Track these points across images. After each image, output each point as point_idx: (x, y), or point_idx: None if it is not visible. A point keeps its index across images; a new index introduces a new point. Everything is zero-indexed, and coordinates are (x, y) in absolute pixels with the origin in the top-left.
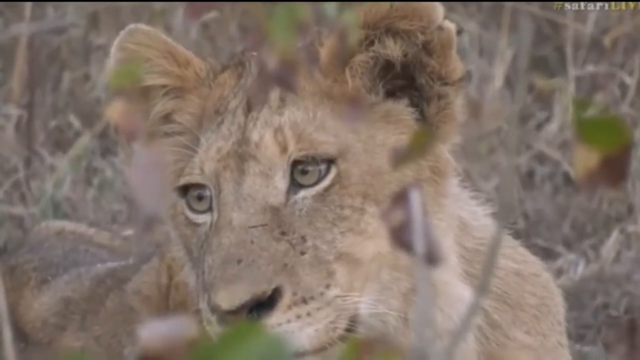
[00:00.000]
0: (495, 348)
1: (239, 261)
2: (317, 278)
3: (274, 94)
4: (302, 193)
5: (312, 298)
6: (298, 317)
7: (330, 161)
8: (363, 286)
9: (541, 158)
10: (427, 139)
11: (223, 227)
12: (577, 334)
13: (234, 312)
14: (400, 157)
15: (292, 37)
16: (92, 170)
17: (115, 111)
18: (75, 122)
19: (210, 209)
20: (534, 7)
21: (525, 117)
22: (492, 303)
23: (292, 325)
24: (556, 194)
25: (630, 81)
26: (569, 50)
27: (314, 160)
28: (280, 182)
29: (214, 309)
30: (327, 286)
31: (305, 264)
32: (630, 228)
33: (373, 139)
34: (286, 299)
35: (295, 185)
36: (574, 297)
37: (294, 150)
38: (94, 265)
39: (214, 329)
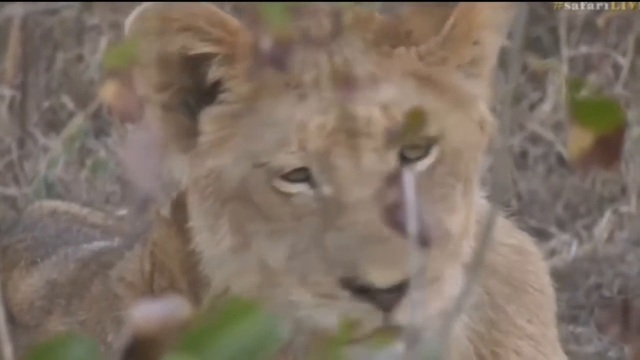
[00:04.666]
0: (497, 335)
1: (383, 240)
2: (436, 258)
3: (363, 71)
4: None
5: (436, 278)
6: (426, 298)
7: (431, 140)
8: (455, 264)
9: (534, 139)
10: (421, 119)
11: (352, 205)
12: (570, 315)
13: (387, 291)
14: (394, 138)
15: (287, 17)
16: (85, 151)
17: (109, 92)
18: (69, 103)
19: (307, 180)
20: None
21: (519, 97)
22: (497, 284)
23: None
24: (549, 174)
25: (623, 62)
26: (562, 30)
27: (419, 138)
28: (392, 158)
29: (362, 288)
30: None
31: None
32: (624, 209)
33: (457, 119)
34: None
35: (402, 162)
36: (567, 278)
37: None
38: (81, 246)
39: (344, 305)
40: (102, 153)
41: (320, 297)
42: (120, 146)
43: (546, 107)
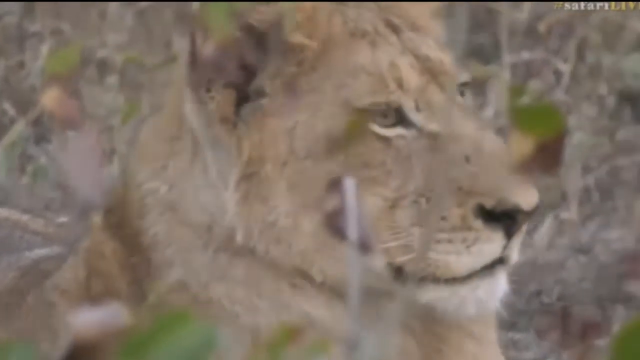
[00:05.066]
0: (440, 330)
1: (514, 165)
2: None
3: (401, 20)
4: None
5: None
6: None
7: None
8: None
9: None
10: (361, 126)
11: (469, 136)
12: (510, 321)
13: (527, 214)
14: (335, 144)
15: (229, 24)
16: (26, 157)
17: (50, 98)
18: (10, 109)
19: (400, 122)
20: None
21: None
22: None
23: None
24: None
25: (564, 68)
26: (503, 37)
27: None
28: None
29: (504, 213)
30: None
31: None
32: (564, 215)
33: None
34: None
35: None
36: (507, 284)
37: (460, 72)
38: (22, 253)
39: (474, 235)
40: (43, 159)
41: (448, 232)
42: (61, 153)
43: (488, 113)
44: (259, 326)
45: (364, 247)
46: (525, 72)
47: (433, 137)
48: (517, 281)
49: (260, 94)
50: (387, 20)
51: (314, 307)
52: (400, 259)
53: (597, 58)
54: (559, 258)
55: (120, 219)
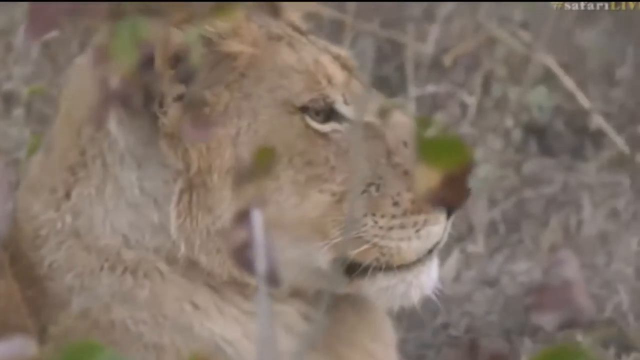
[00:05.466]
0: (341, 349)
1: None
2: None
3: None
4: None
5: None
6: None
7: None
8: None
9: None
10: (270, 158)
11: (401, 124)
12: (418, 354)
13: (469, 192)
14: (243, 177)
15: (134, 55)
16: None
17: None
18: None
19: (331, 118)
20: (375, 25)
21: None
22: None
23: None
24: None
25: (470, 101)
26: (409, 69)
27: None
28: None
29: None
30: None
31: None
32: (471, 248)
33: None
34: None
35: None
36: (415, 317)
37: None
38: None
39: (424, 218)
40: None
41: (400, 217)
42: None
43: None
44: (163, 345)
45: (271, 280)
46: (431, 105)
47: (368, 127)
48: (425, 314)
49: (202, 104)
50: (291, 23)
51: (220, 327)
52: (352, 252)
53: (503, 91)
54: (466, 291)
55: (12, 254)
